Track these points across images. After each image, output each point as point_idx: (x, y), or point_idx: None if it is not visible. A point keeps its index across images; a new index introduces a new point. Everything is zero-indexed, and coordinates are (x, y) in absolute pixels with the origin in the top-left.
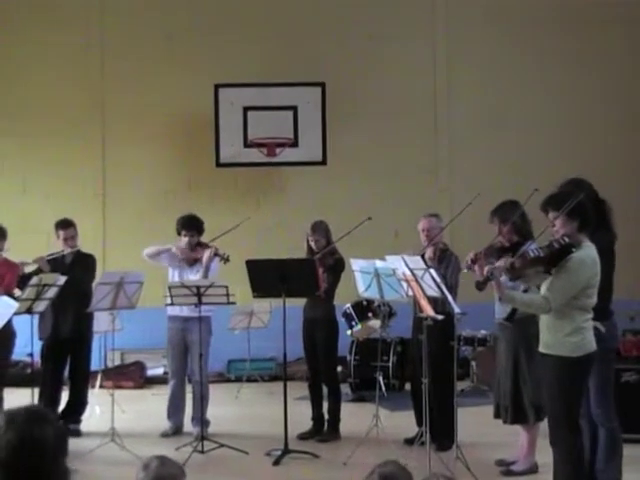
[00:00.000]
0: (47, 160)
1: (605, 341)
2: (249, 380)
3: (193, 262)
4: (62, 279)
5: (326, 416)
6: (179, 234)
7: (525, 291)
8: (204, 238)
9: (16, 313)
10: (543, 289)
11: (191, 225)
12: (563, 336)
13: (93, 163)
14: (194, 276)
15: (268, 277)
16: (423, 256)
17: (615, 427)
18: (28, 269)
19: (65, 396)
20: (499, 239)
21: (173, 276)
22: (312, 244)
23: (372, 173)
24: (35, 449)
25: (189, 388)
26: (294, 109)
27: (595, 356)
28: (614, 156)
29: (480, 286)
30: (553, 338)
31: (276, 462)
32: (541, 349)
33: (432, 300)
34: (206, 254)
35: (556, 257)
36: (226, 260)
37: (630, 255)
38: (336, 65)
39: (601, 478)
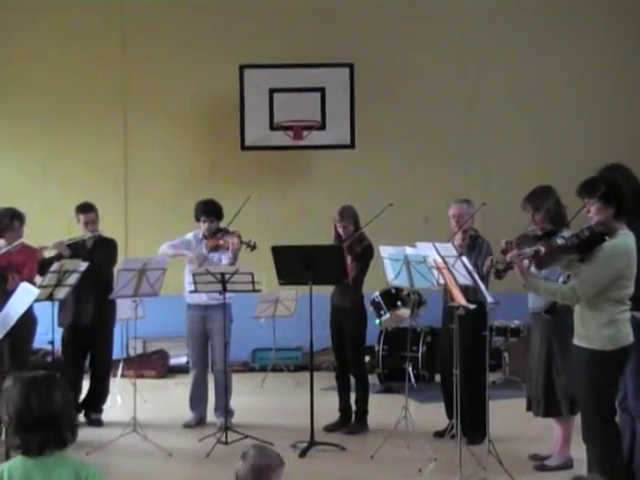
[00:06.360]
0: (68, 143)
1: None
2: (274, 370)
3: (214, 249)
4: (84, 265)
5: (353, 407)
6: (198, 220)
7: (565, 282)
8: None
9: (37, 300)
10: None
11: (211, 211)
12: (596, 329)
13: (115, 146)
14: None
15: (294, 264)
16: (453, 243)
17: None
18: (48, 254)
19: (86, 385)
20: (532, 227)
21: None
22: (340, 230)
23: (402, 157)
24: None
25: (211, 377)
26: (322, 91)
27: (631, 349)
28: None
29: (499, 274)
30: (585, 330)
31: (302, 454)
32: (575, 341)
33: (463, 289)
34: (232, 245)
35: (586, 246)
36: (253, 247)
37: None
38: (365, 45)
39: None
